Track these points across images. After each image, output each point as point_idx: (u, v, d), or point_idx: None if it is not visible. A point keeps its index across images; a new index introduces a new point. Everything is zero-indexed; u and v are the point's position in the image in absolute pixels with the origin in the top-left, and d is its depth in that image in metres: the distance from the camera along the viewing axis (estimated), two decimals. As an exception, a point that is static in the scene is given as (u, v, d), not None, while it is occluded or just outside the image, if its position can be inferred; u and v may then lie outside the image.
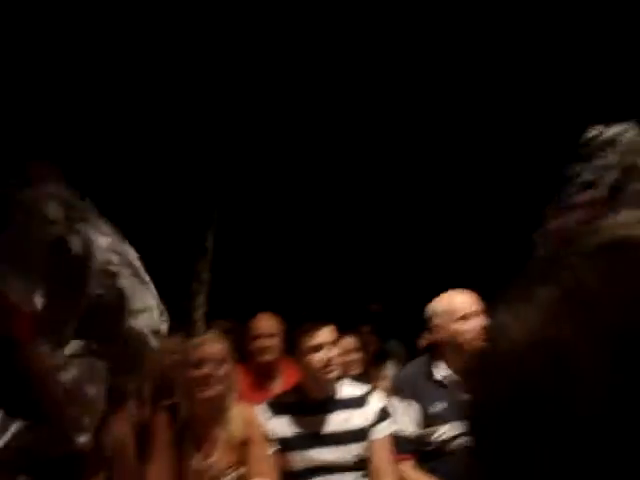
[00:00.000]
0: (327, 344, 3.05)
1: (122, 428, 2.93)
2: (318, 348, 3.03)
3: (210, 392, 2.89)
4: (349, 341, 4.20)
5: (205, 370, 2.87)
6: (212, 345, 2.96)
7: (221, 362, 2.92)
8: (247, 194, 6.79)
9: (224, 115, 6.00)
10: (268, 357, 3.84)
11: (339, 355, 3.15)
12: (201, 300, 5.76)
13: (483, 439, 0.43)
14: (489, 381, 0.43)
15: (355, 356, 4.28)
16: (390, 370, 4.87)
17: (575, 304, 0.40)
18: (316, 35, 5.45)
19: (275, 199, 7.03)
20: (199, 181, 6.20)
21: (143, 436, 2.91)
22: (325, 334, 3.05)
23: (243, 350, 3.82)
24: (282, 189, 6.95)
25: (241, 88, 5.82)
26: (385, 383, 4.07)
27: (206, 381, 2.87)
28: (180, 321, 5.04)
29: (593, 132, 2.43)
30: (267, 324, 3.92)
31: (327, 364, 3.04)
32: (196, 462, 2.86)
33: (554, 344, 0.40)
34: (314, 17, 5.35)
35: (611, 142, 2.38)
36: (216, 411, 2.93)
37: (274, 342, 3.85)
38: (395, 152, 6.75)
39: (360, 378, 3.63)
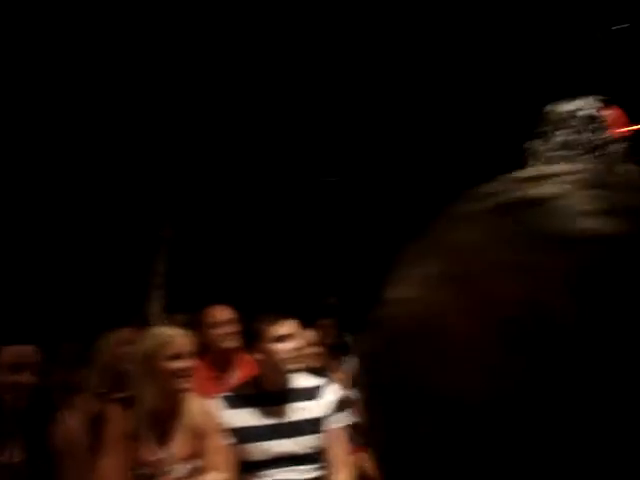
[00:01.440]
0: (291, 335, 3.06)
1: (73, 421, 2.90)
2: (282, 339, 3.04)
3: (188, 384, 2.91)
4: (309, 334, 4.20)
5: (184, 363, 2.89)
6: (184, 338, 2.98)
7: (191, 355, 2.96)
8: (205, 187, 6.75)
9: (181, 112, 5.95)
10: (229, 344, 3.82)
11: (300, 348, 3.16)
12: (158, 293, 5.71)
13: (373, 424, 0.40)
14: (374, 366, 0.40)
15: (314, 349, 4.28)
16: (348, 363, 4.87)
17: (455, 278, 0.37)
18: (252, 48, 5.42)
19: (233, 193, 7.00)
20: (156, 174, 6.14)
21: (96, 429, 2.88)
22: (289, 326, 3.07)
23: (199, 342, 3.79)
24: (240, 182, 6.92)
25: (194, 88, 5.78)
26: (343, 376, 4.07)
27: (185, 373, 2.89)
28: (137, 314, 5.00)
29: (551, 108, 2.38)
30: (224, 312, 3.90)
31: (290, 355, 3.04)
32: (152, 454, 2.84)
33: (434, 325, 0.36)
34: (254, 30, 5.32)
35: (567, 118, 2.32)
36: (177, 403, 2.93)
37: (233, 329, 3.83)
38: (337, 147, 6.75)
39: (319, 371, 3.64)
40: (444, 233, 0.40)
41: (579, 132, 2.28)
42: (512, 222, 0.37)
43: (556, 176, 0.39)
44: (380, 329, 0.40)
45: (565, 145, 2.29)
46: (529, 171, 0.41)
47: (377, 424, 0.39)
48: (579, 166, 0.40)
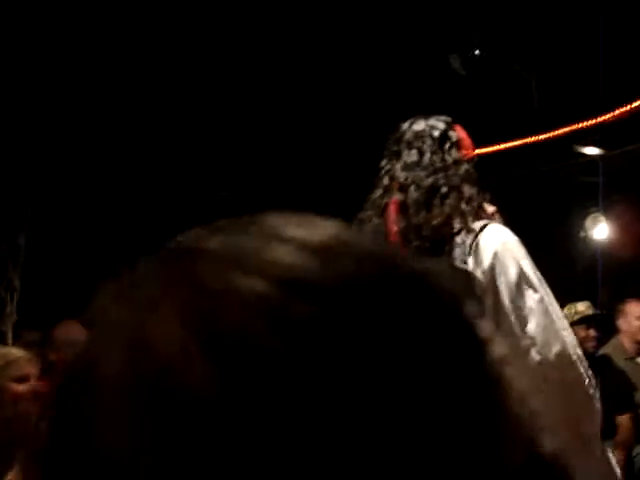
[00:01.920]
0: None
1: None
2: None
3: (35, 408, 2.78)
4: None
5: (30, 386, 2.73)
6: (30, 359, 2.82)
7: (38, 377, 2.80)
8: (63, 193, 6.51)
9: (37, 112, 5.73)
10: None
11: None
12: (10, 309, 5.47)
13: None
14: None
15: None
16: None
17: (113, 325, 0.37)
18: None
19: (93, 201, 6.79)
20: (11, 179, 5.88)
21: None
22: None
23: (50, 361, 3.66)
24: (101, 190, 6.72)
25: (52, 90, 5.60)
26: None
27: (32, 396, 2.72)
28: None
29: (404, 126, 2.38)
30: (75, 331, 3.77)
31: None
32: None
33: (91, 373, 0.36)
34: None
35: (420, 137, 2.32)
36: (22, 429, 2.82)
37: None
38: (229, 161, 6.71)
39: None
40: (122, 281, 0.41)
41: (431, 152, 2.29)
42: (172, 272, 0.38)
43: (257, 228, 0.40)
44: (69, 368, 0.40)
45: (416, 164, 2.28)
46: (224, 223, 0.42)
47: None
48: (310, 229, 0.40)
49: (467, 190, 2.20)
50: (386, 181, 2.31)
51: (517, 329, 1.99)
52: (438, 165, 2.25)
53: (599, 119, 6.00)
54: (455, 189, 2.20)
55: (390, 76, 5.69)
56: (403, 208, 2.21)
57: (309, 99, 5.90)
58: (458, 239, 2.10)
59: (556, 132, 6.29)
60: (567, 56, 5.89)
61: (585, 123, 6.09)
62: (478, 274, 2.05)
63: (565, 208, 6.65)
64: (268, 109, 6.02)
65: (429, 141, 2.30)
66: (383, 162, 2.37)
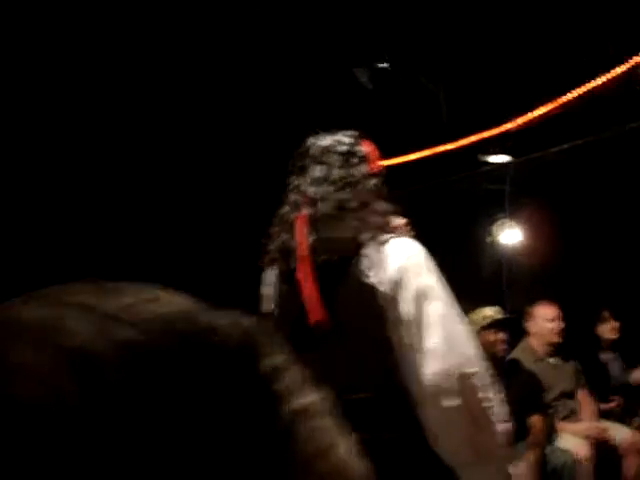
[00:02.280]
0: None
1: None
2: None
3: None
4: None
5: None
6: None
7: None
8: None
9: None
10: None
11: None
12: None
13: None
14: None
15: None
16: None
17: None
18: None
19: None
20: None
21: None
22: None
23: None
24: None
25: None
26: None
27: None
28: None
29: (311, 141, 2.39)
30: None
31: None
32: None
33: None
34: None
35: (327, 152, 2.34)
36: None
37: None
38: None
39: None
40: None
41: (338, 166, 2.29)
42: None
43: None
44: None
45: (324, 179, 2.29)
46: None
47: None
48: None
49: (376, 204, 2.23)
50: (294, 196, 2.31)
51: (417, 342, 2.00)
52: (346, 180, 2.26)
53: (503, 128, 6.18)
54: (364, 204, 2.21)
55: (296, 91, 5.72)
56: (312, 222, 2.22)
57: (212, 114, 5.87)
58: (365, 252, 2.12)
59: (462, 142, 6.44)
60: (472, 67, 6.04)
61: (490, 132, 6.25)
62: (382, 287, 2.06)
63: (473, 216, 6.80)
64: (166, 124, 5.96)
65: (336, 156, 2.31)
66: (290, 178, 2.37)
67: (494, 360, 4.34)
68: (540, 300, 5.07)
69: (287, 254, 2.26)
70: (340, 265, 2.17)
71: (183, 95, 5.74)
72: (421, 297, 2.04)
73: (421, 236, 2.24)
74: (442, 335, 2.02)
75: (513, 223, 6.41)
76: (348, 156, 2.34)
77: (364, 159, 2.35)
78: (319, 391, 0.43)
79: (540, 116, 6.07)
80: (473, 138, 6.40)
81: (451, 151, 6.52)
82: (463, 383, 1.98)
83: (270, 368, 0.41)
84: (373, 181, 2.31)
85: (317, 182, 2.30)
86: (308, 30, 5.43)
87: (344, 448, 0.42)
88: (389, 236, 2.15)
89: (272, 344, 0.42)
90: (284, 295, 2.27)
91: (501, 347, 4.58)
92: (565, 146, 6.06)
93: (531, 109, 6.09)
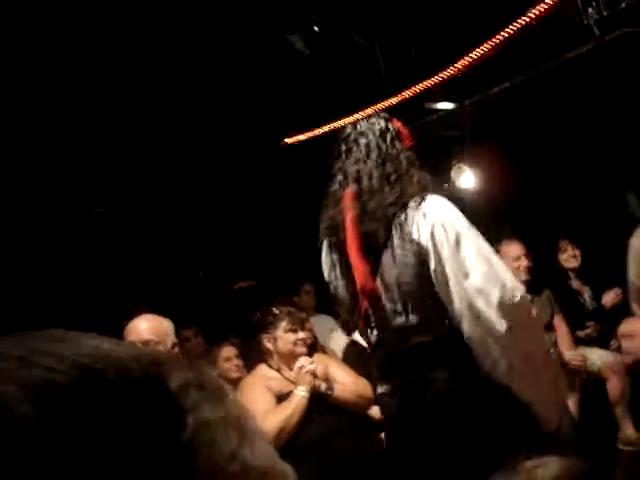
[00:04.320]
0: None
1: None
2: None
3: None
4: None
5: None
6: None
7: None
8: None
9: None
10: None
11: None
12: None
13: None
14: None
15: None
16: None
17: None
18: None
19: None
20: None
21: None
22: None
23: None
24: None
25: None
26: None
27: None
28: None
29: (347, 128, 2.71)
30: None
31: None
32: None
33: None
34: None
35: (363, 133, 2.64)
36: None
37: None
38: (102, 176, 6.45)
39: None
40: None
41: (376, 145, 2.63)
42: None
43: None
44: None
45: (365, 158, 2.62)
46: None
47: None
48: None
49: (413, 174, 2.57)
50: (340, 176, 2.66)
51: (461, 284, 2.29)
52: (384, 156, 2.60)
53: (444, 74, 6.16)
54: (401, 175, 2.55)
55: (236, 65, 5.65)
56: (358, 197, 2.55)
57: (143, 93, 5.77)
58: (406, 213, 2.44)
59: (406, 93, 6.41)
60: (404, 17, 6.00)
61: (432, 80, 6.23)
62: (424, 241, 2.36)
63: (428, 164, 6.80)
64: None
65: (372, 136, 2.64)
66: (335, 161, 2.71)
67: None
68: (504, 240, 5.10)
69: (336, 227, 2.60)
70: (384, 231, 2.46)
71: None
72: (457, 244, 2.34)
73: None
74: (482, 270, 2.29)
75: (469, 166, 6.42)
76: (383, 135, 2.67)
77: (397, 136, 2.69)
78: (226, 402, 0.48)
79: (479, 57, 6.06)
80: (416, 87, 6.37)
81: (396, 104, 6.49)
82: (510, 309, 2.24)
83: (177, 387, 0.46)
84: (407, 154, 2.66)
85: (359, 161, 2.64)
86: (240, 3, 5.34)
87: (248, 455, 0.46)
88: (423, 196, 2.49)
89: (179, 367, 0.48)
90: (335, 264, 2.62)
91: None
92: (507, 84, 6.06)
93: (469, 51, 6.08)
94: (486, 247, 2.39)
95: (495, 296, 2.24)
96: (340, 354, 4.46)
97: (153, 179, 6.56)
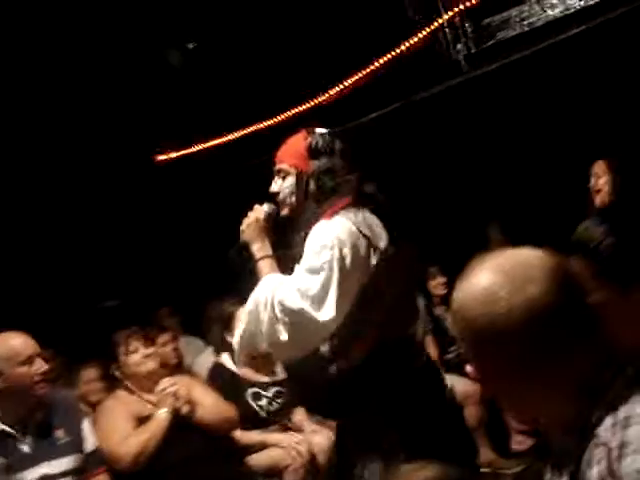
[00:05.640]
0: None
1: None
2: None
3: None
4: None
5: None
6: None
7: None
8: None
9: None
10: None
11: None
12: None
13: None
14: None
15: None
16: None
17: None
18: None
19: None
20: None
21: None
22: None
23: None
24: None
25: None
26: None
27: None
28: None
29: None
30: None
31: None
32: None
33: None
34: None
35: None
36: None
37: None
38: None
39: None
40: None
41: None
42: None
43: None
44: None
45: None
46: None
47: None
48: None
49: None
50: None
51: None
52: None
53: (316, 101, 6.23)
54: None
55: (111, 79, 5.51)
56: None
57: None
58: None
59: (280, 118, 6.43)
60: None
61: (303, 107, 6.28)
62: None
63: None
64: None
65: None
66: None
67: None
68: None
69: None
70: None
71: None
72: None
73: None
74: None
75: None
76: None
77: None
78: None
79: (350, 86, 6.16)
80: (287, 114, 6.40)
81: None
82: None
83: None
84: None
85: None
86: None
87: None
88: None
89: None
90: None
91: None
92: (374, 115, 6.18)
93: (341, 81, 6.17)
94: None
95: None
96: (205, 376, 4.34)
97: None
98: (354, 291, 2.22)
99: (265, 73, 6.21)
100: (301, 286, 2.19)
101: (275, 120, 6.35)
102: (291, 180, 2.45)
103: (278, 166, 2.50)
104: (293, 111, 6.27)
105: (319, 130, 2.53)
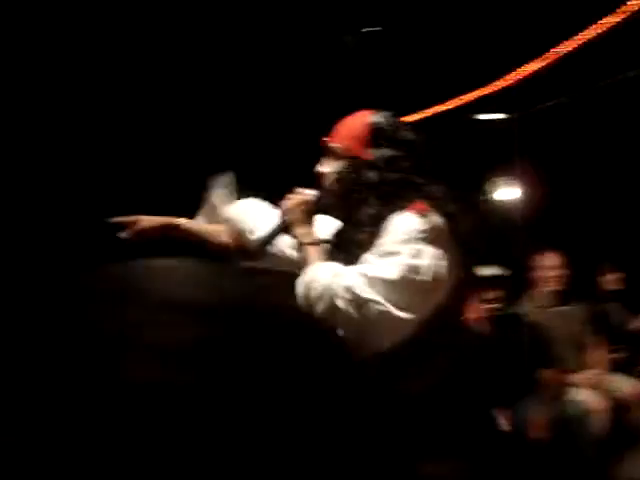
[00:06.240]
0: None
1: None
2: None
3: None
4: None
5: None
6: None
7: None
8: None
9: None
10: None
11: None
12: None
13: None
14: None
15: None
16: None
17: None
18: None
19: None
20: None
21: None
22: None
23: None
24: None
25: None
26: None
27: None
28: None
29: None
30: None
31: None
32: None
33: None
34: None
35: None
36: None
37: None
38: None
39: None
40: None
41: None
42: None
43: None
44: None
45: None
46: None
47: None
48: None
49: None
50: None
51: None
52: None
53: (496, 85, 6.15)
54: None
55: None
56: None
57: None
58: None
59: (455, 102, 6.41)
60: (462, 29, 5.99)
61: (484, 90, 6.23)
62: None
63: (466, 176, 6.78)
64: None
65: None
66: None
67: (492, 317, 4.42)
68: (544, 251, 5.03)
69: None
70: None
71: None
72: None
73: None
74: None
75: (508, 179, 6.39)
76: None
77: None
78: None
79: (533, 71, 6.05)
80: (466, 97, 6.37)
81: (444, 112, 6.48)
82: None
83: None
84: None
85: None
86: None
87: None
88: None
89: None
90: None
91: (494, 305, 4.55)
92: (551, 103, 6.04)
93: (522, 65, 6.07)
94: None
95: None
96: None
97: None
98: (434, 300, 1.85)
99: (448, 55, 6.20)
100: (377, 274, 1.82)
101: (452, 103, 6.35)
102: (341, 164, 2.08)
103: (329, 144, 2.08)
104: (472, 94, 6.24)
105: (386, 113, 2.10)
